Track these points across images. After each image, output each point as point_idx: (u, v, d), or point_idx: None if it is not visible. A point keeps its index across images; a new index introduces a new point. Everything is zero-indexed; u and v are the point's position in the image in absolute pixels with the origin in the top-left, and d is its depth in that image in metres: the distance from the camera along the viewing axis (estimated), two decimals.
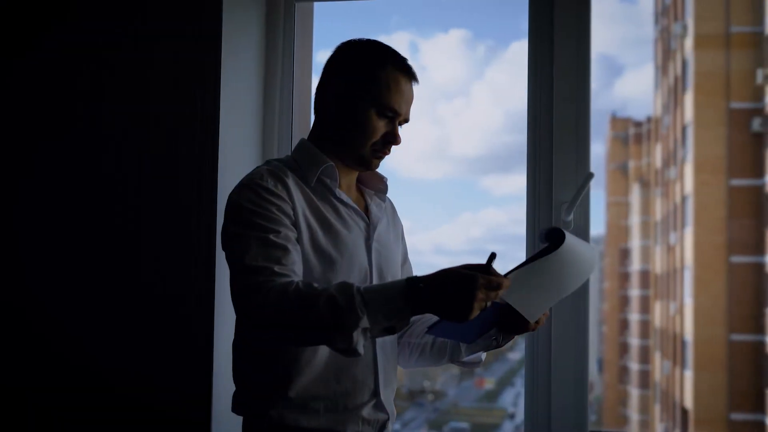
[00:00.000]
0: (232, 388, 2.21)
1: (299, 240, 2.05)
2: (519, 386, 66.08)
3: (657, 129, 37.37)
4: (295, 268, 1.99)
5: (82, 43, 2.70)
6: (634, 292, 43.38)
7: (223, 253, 2.10)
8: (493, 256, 1.84)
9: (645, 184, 42.23)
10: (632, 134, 46.69)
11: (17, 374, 2.68)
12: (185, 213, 2.60)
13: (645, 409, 40.30)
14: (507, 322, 2.09)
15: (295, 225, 2.05)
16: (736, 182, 25.88)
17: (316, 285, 1.90)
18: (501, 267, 1.87)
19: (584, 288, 2.56)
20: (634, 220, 44.18)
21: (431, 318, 2.26)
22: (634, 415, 42.30)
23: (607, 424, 49.21)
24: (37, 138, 2.71)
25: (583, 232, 2.60)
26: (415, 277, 1.87)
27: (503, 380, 65.50)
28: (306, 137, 2.25)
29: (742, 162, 25.83)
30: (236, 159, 2.70)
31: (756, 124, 25.44)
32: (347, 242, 2.13)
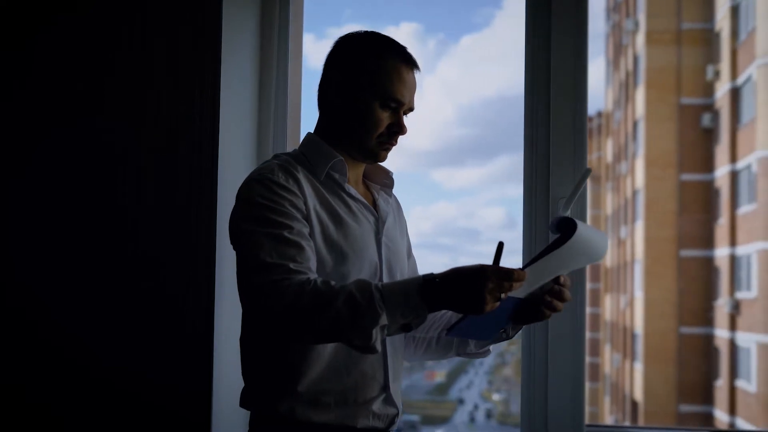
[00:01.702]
0: (233, 384, 2.20)
1: (311, 234, 2.04)
2: (471, 374, 66.41)
3: (608, 124, 37.69)
4: (310, 264, 1.98)
5: (81, 42, 2.69)
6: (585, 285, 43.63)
7: (222, 249, 2.08)
8: (500, 245, 1.85)
9: (596, 179, 42.56)
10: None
11: (16, 372, 2.66)
12: (185, 210, 2.59)
13: (594, 401, 40.65)
14: (518, 314, 2.09)
15: (307, 219, 2.04)
16: (687, 177, 26.17)
17: (333, 283, 1.89)
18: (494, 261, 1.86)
19: (581, 286, 2.60)
20: (585, 213, 44.41)
21: (442, 315, 2.28)
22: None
23: None
24: (37, 136, 2.69)
25: None
26: (431, 273, 1.87)
27: (454, 373, 65.80)
28: (311, 131, 2.24)
29: (693, 157, 26.12)
30: (235, 156, 2.71)
31: (706, 119, 25.75)
32: (358, 237, 2.12)
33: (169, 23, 2.64)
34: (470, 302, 1.82)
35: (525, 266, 1.91)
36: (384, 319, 1.83)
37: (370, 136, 2.14)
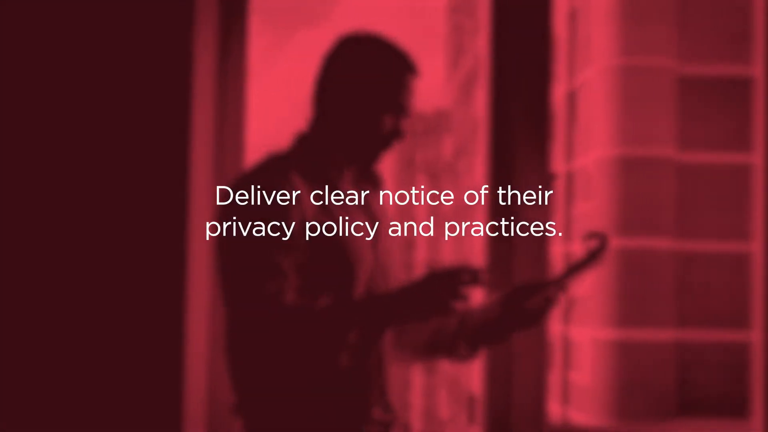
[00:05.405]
0: (205, 383, 2.15)
1: (308, 240, 1.99)
2: None
3: (447, 122, 38.45)
4: (286, 284, 1.94)
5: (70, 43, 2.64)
6: None
7: (195, 255, 2.03)
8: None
9: (434, 176, 43.37)
10: (421, 127, 47.74)
11: None
12: (158, 216, 2.58)
13: (431, 395, 41.43)
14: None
15: (301, 225, 1.98)
16: None
17: (300, 305, 1.91)
18: None
19: None
20: (422, 211, 45.22)
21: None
22: (416, 400, 43.37)
23: None
24: (9, 137, 2.62)
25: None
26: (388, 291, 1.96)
27: None
28: (303, 129, 2.17)
29: None
30: (204, 156, 2.70)
31: None
32: (354, 239, 2.07)
33: (142, 22, 2.64)
34: (431, 308, 1.86)
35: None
36: (351, 338, 1.86)
37: (371, 139, 2.11)
